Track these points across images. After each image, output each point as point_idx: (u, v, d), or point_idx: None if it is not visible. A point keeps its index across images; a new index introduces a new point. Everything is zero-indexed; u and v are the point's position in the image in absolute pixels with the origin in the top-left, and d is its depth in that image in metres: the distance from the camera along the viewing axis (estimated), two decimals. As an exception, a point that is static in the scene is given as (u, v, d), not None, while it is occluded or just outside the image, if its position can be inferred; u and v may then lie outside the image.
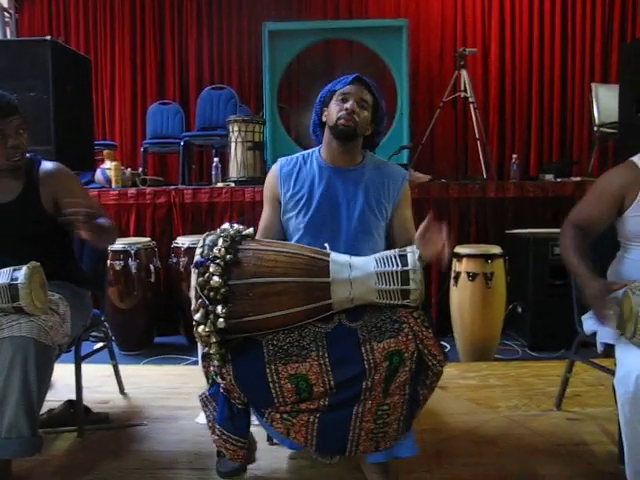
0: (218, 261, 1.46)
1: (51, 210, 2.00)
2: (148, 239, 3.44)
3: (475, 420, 2.23)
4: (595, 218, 1.82)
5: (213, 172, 4.03)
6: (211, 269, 1.46)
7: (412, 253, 1.52)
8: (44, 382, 1.76)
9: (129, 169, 4.19)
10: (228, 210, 3.56)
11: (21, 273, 1.69)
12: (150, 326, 3.45)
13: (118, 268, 3.19)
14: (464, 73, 4.58)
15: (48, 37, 3.54)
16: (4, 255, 1.86)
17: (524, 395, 2.47)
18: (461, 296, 3.09)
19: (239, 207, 3.55)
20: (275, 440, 1.98)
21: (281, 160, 1.94)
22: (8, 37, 5.52)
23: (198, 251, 1.52)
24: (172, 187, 3.75)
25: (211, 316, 1.45)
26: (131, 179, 4.04)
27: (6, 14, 5.60)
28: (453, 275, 3.13)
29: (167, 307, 3.56)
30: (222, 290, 1.45)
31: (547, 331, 3.21)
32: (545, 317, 3.21)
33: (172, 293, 3.46)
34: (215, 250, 1.48)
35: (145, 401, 2.48)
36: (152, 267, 3.31)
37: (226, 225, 1.58)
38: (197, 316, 1.46)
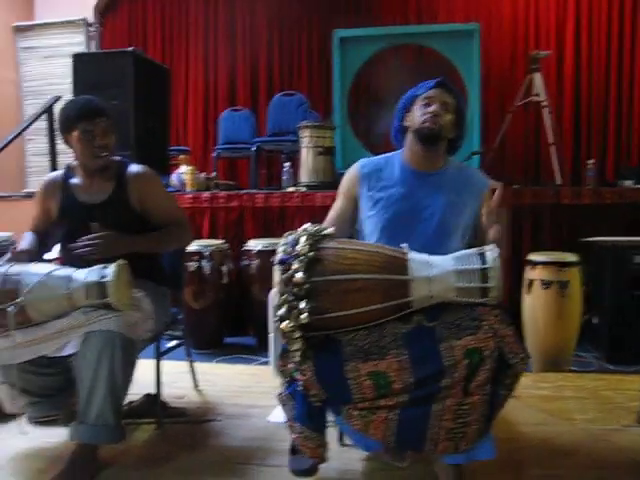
0: (301, 258, 1.50)
1: (138, 210, 2.11)
2: (221, 241, 3.55)
3: (550, 431, 2.18)
4: None
5: (284, 177, 4.11)
6: (294, 266, 1.50)
7: (491, 251, 1.53)
8: (128, 375, 1.85)
9: (203, 173, 4.33)
10: (299, 214, 3.62)
11: (110, 271, 1.79)
12: (221, 326, 3.56)
13: (192, 269, 3.31)
14: (537, 76, 4.48)
15: (130, 48, 3.73)
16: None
17: (601, 409, 2.39)
18: (534, 304, 3.02)
19: (310, 212, 3.60)
20: (346, 441, 2.01)
21: (362, 160, 1.97)
22: (93, 50, 5.83)
23: (281, 249, 1.57)
24: (244, 191, 3.86)
25: (294, 311, 1.49)
26: (205, 183, 4.17)
27: (91, 28, 5.91)
28: (526, 283, 3.06)
29: (238, 308, 3.66)
30: (305, 286, 1.48)
31: (626, 343, 3.08)
32: (624, 329, 3.08)
33: (243, 295, 3.55)
34: (298, 248, 1.53)
35: (219, 398, 2.56)
36: (225, 269, 3.41)
37: (307, 225, 1.62)
38: (281, 311, 1.50)
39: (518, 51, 5.32)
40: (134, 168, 2.15)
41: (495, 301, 1.54)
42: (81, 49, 5.70)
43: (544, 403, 2.46)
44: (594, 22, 5.16)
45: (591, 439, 2.11)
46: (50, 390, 1.99)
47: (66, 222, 2.12)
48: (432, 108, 1.82)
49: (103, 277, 1.78)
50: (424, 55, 5.29)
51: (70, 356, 1.89)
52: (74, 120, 2.01)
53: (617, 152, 5.17)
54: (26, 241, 2.10)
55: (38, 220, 2.20)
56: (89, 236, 1.92)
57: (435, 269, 1.54)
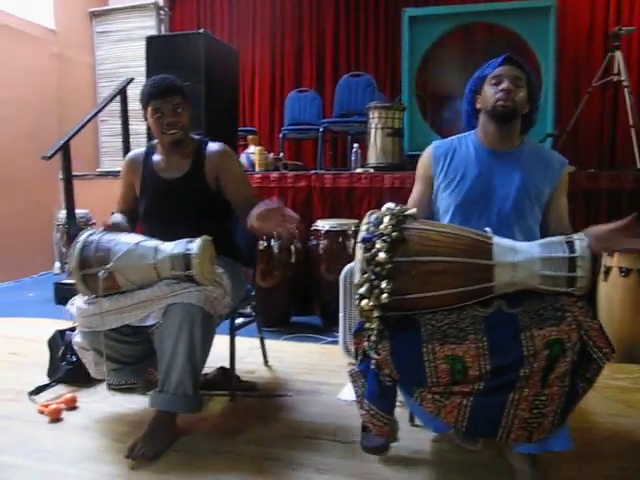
0: (384, 237, 1.50)
1: (214, 188, 2.16)
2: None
3: (628, 423, 2.11)
4: None
5: (352, 158, 4.10)
6: (377, 245, 1.49)
7: (580, 240, 1.48)
8: (206, 347, 1.92)
9: (271, 154, 4.38)
10: (367, 196, 3.61)
11: (195, 245, 1.85)
12: (288, 305, 3.61)
13: (261, 248, 3.36)
14: (618, 54, 4.25)
15: (201, 30, 3.80)
16: (175, 226, 2.04)
17: (683, 402, 2.29)
18: (611, 292, 2.90)
19: (377, 193, 3.57)
20: (417, 421, 2.01)
21: (435, 142, 1.94)
22: (163, 32, 5.97)
23: (364, 227, 1.56)
24: (312, 172, 3.88)
25: (375, 291, 1.49)
26: (273, 163, 4.22)
27: (161, 12, 6.05)
28: (603, 270, 2.94)
29: (305, 288, 3.70)
30: (387, 266, 1.48)
31: None
32: None
33: (310, 274, 3.58)
34: (381, 227, 1.52)
35: (288, 374, 2.61)
36: (293, 248, 3.45)
37: (390, 204, 1.61)
38: (362, 290, 1.50)
39: (596, 28, 5.08)
40: (212, 146, 2.20)
41: (581, 292, 1.49)
42: (152, 32, 5.85)
43: (622, 394, 2.37)
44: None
45: (672, 433, 2.03)
46: (132, 358, 2.08)
47: (147, 197, 2.19)
48: (504, 85, 1.76)
49: (188, 250, 1.84)
50: (495, 34, 5.12)
51: (151, 326, 1.98)
52: (146, 98, 2.09)
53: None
54: (115, 219, 2.19)
55: (124, 199, 2.29)
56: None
57: (520, 255, 1.50)
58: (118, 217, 2.20)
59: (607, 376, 2.54)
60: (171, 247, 1.87)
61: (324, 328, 3.44)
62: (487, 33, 5.24)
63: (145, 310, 1.87)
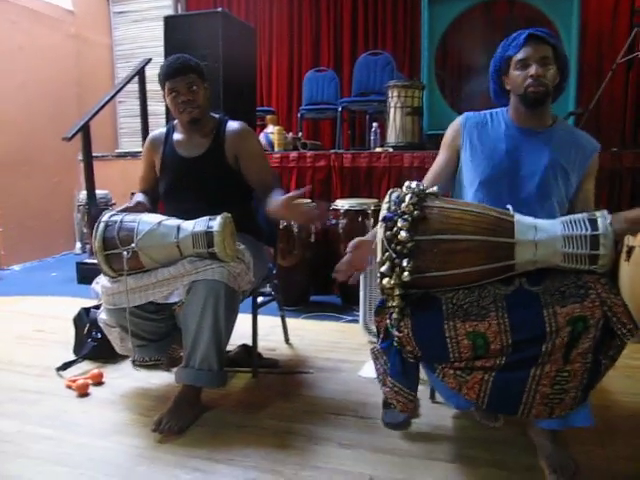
0: (406, 216, 1.50)
1: (234, 166, 2.18)
2: (309, 200, 3.59)
3: (649, 402, 2.11)
4: None
5: (372, 137, 4.08)
6: (399, 224, 1.49)
7: (603, 217, 1.46)
8: (231, 323, 1.95)
9: (290, 133, 4.37)
10: (386, 175, 3.60)
11: (216, 222, 1.87)
12: (307, 284, 3.63)
13: (281, 227, 3.37)
14: (644, 31, 4.16)
15: (219, 9, 3.77)
16: (195, 204, 2.07)
17: None
18: (634, 272, 2.88)
19: (397, 172, 3.56)
20: (438, 398, 2.03)
21: (467, 113, 1.92)
22: (179, 12, 5.95)
23: (385, 206, 1.56)
24: (332, 151, 3.87)
25: (397, 269, 1.49)
26: (292, 143, 4.22)
27: (179, -10, 6.02)
28: (625, 249, 2.92)
29: (324, 267, 3.70)
30: (409, 244, 1.48)
31: None
32: None
33: (329, 254, 3.59)
34: (403, 206, 1.52)
35: (309, 352, 2.65)
36: (312, 228, 3.47)
37: (411, 183, 1.61)
38: (383, 268, 1.51)
39: (622, 3, 4.95)
40: (232, 125, 2.21)
41: (604, 269, 1.48)
42: (169, 12, 5.83)
43: (642, 373, 2.37)
44: None
45: (694, 412, 2.03)
46: (156, 335, 2.12)
47: (167, 175, 2.22)
48: (532, 71, 1.72)
49: (210, 228, 1.86)
50: (516, 10, 5.02)
51: (175, 304, 2.01)
52: (163, 78, 2.11)
53: None
54: (138, 198, 2.22)
55: (146, 179, 2.32)
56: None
57: (541, 233, 1.49)
58: (140, 197, 2.24)
59: (627, 356, 2.50)
60: (192, 225, 1.90)
61: (343, 307, 3.47)
62: (508, 10, 5.14)
63: (169, 287, 1.90)
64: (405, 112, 3.77)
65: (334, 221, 3.45)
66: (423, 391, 2.02)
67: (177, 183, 2.19)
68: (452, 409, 1.97)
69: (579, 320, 1.45)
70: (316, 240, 3.51)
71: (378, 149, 3.83)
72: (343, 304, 3.53)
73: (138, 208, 2.07)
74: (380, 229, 1.53)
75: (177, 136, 2.23)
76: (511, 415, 1.63)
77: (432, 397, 2.07)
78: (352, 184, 3.73)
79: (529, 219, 1.54)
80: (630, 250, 2.88)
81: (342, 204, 3.45)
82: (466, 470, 1.68)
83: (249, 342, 2.37)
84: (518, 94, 1.78)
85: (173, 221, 1.94)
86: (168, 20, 3.81)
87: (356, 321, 2.92)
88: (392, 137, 3.84)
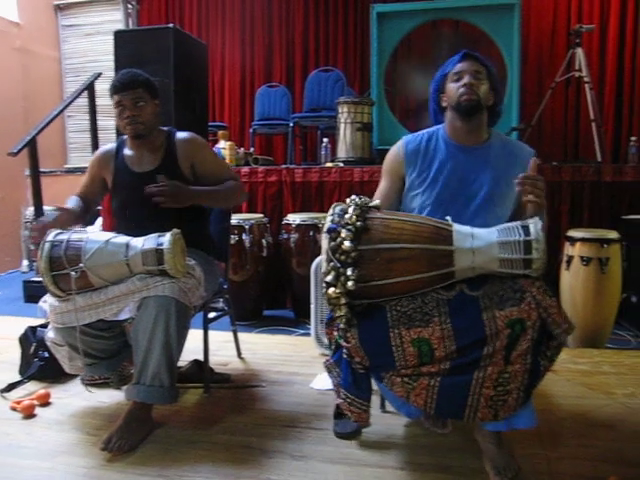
0: (349, 227, 1.55)
1: (189, 176, 2.18)
2: (261, 215, 3.62)
3: (589, 404, 2.20)
4: None
5: (322, 152, 4.14)
6: (343, 234, 1.54)
7: (534, 224, 1.55)
8: (182, 338, 1.94)
9: (242, 149, 4.39)
10: (337, 189, 3.66)
11: (166, 239, 1.87)
12: (260, 299, 3.64)
13: (233, 242, 3.37)
14: (579, 51, 4.38)
15: (170, 25, 3.78)
16: (149, 220, 2.05)
17: (641, 384, 2.40)
18: (573, 280, 3.01)
19: (348, 187, 3.62)
20: (388, 407, 2.07)
21: (406, 137, 1.97)
22: (130, 27, 5.91)
23: (329, 218, 1.61)
24: (283, 166, 3.91)
25: (342, 278, 1.53)
26: (244, 158, 4.23)
27: (129, 6, 5.98)
28: (565, 259, 3.05)
29: (277, 281, 3.73)
30: (353, 254, 1.53)
31: (665, 322, 3.07)
32: (663, 307, 3.07)
33: (282, 268, 3.62)
34: (346, 217, 1.57)
35: (261, 366, 2.65)
36: (264, 242, 3.48)
37: (354, 196, 1.66)
38: (328, 278, 1.55)
39: (559, 25, 5.19)
40: (181, 135, 2.23)
41: (538, 273, 1.55)
42: (120, 26, 5.79)
43: (583, 377, 2.48)
44: (640, -5, 5.01)
45: (630, 413, 2.13)
46: (107, 353, 2.10)
47: (120, 192, 2.20)
48: (465, 80, 1.81)
49: (159, 245, 1.86)
50: (462, 30, 5.21)
51: (125, 320, 1.99)
52: (111, 91, 2.11)
53: (660, 130, 5.04)
54: (71, 202, 2.20)
55: (86, 187, 2.30)
56: (159, 183, 1.98)
57: (478, 240, 1.57)
58: (73, 201, 2.21)
59: (569, 360, 2.66)
60: (142, 242, 1.89)
61: (296, 321, 3.49)
62: (454, 29, 5.32)
63: (119, 305, 1.89)
64: (355, 128, 3.85)
65: (286, 235, 3.48)
66: (374, 401, 2.04)
67: (130, 199, 2.17)
68: (402, 418, 2.00)
69: (517, 322, 1.52)
70: (268, 255, 3.53)
71: (329, 164, 3.89)
72: (296, 318, 3.55)
73: (65, 215, 2.06)
74: (324, 240, 1.58)
75: (127, 151, 2.22)
76: (457, 419, 1.69)
77: (383, 406, 2.11)
78: (303, 199, 3.77)
79: (467, 228, 1.61)
80: (569, 259, 3.01)
81: (294, 219, 3.48)
82: (415, 476, 1.72)
83: (201, 357, 2.36)
84: (452, 105, 1.85)
85: (121, 239, 1.92)
86: (118, 35, 3.77)
87: (309, 334, 2.94)
88: (342, 152, 3.91)
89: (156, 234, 1.90)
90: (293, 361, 2.72)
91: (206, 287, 2.09)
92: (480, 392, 1.56)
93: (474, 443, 1.79)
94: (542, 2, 5.20)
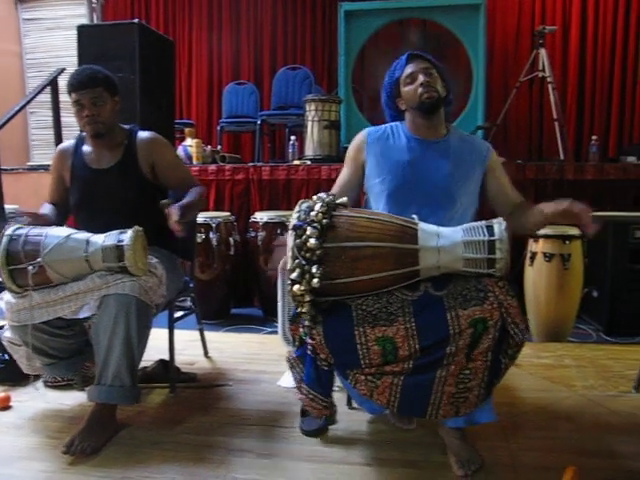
0: (315, 224, 1.54)
1: (149, 176, 2.15)
2: (228, 213, 3.60)
3: (551, 397, 2.25)
4: None
5: (290, 150, 4.13)
6: (308, 232, 1.54)
7: (499, 224, 1.57)
8: (144, 338, 1.91)
9: (209, 146, 4.36)
10: (304, 187, 3.66)
11: (127, 236, 1.84)
12: (228, 297, 3.62)
13: (200, 240, 3.35)
14: (543, 52, 4.47)
15: (136, 20, 3.72)
16: (107, 217, 2.03)
17: (600, 376, 2.46)
18: (537, 276, 3.07)
19: (315, 184, 3.63)
20: (355, 404, 2.08)
21: (369, 128, 2.00)
22: (95, 22, 5.80)
23: (295, 215, 1.60)
24: (251, 164, 3.89)
25: (307, 275, 1.53)
26: (211, 156, 4.20)
27: (94, 0, 5.87)
28: (529, 255, 3.11)
29: (244, 279, 3.71)
30: (318, 251, 1.53)
31: (624, 316, 3.14)
32: (623, 302, 3.14)
33: (249, 266, 3.60)
34: (312, 214, 1.56)
35: (228, 364, 2.64)
36: (232, 240, 3.46)
37: (321, 194, 1.66)
38: (293, 275, 1.54)
39: (523, 26, 5.29)
40: (143, 134, 2.19)
41: (501, 272, 1.57)
42: (84, 21, 5.67)
43: (545, 371, 2.53)
44: (600, -2, 5.13)
45: (590, 405, 2.18)
46: (66, 352, 2.05)
47: (77, 188, 2.16)
48: (421, 79, 1.84)
49: (120, 241, 1.83)
50: (429, 29, 5.26)
51: (86, 319, 1.95)
52: (68, 90, 2.05)
53: (620, 129, 5.18)
54: (44, 209, 2.15)
55: (54, 191, 2.25)
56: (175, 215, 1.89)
57: (443, 240, 1.58)
58: (47, 208, 2.17)
59: (532, 355, 2.72)
60: (102, 239, 1.85)
61: (264, 319, 3.48)
62: (421, 28, 5.37)
63: (78, 302, 1.85)
64: (322, 125, 3.86)
65: (253, 234, 3.46)
66: (340, 398, 2.07)
67: (88, 195, 2.14)
68: (368, 414, 2.02)
69: (480, 322, 1.54)
70: (235, 253, 3.51)
71: (296, 162, 3.89)
72: (264, 316, 3.54)
73: (39, 221, 2.01)
74: (290, 237, 1.57)
75: (87, 148, 2.18)
76: (420, 417, 1.70)
77: (349, 403, 2.12)
78: (271, 197, 3.77)
79: (433, 227, 1.62)
80: (533, 256, 3.07)
81: (261, 217, 3.47)
82: (381, 472, 1.73)
83: (167, 357, 2.33)
84: (414, 106, 1.88)
85: (82, 235, 1.89)
86: (81, 30, 3.69)
87: (276, 332, 2.92)
88: (310, 150, 3.92)
89: (118, 231, 1.87)
90: (261, 359, 2.71)
91: (168, 286, 2.06)
92: (442, 390, 1.58)
93: (439, 438, 1.82)
94: (507, 3, 5.30)
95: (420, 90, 1.84)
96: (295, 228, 1.57)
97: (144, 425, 2.03)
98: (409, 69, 1.88)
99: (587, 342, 3.08)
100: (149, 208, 2.15)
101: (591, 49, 5.18)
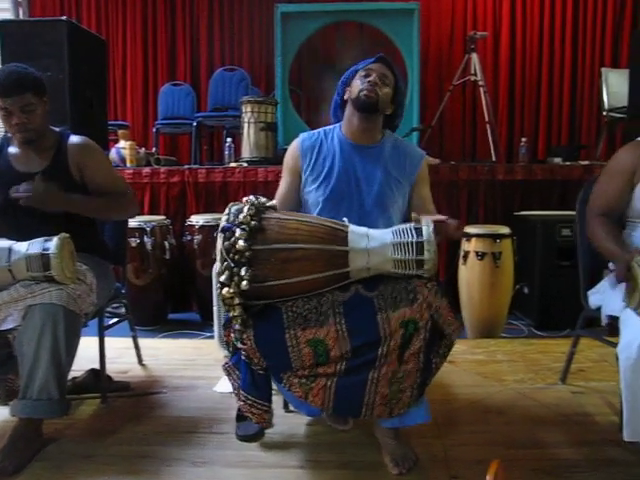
0: (244, 226, 1.53)
1: (79, 181, 2.08)
2: (163, 217, 3.53)
3: (483, 392, 2.31)
4: (613, 198, 1.87)
5: (226, 152, 4.09)
6: (237, 234, 1.52)
7: (427, 226, 1.59)
8: (72, 348, 1.84)
9: (143, 149, 4.25)
10: (241, 189, 3.63)
11: (52, 244, 1.77)
12: (164, 302, 3.54)
13: (134, 245, 3.27)
14: (474, 57, 4.60)
15: (64, 17, 3.59)
16: (33, 224, 1.94)
17: (530, 370, 2.55)
18: (470, 275, 3.16)
19: (252, 187, 3.61)
20: (291, 407, 2.07)
21: (303, 134, 2.00)
22: (21, 17, 5.55)
23: (224, 218, 1.59)
24: (186, 167, 3.83)
25: (235, 278, 1.51)
26: (145, 159, 4.10)
27: (19, -5, 5.62)
28: (462, 254, 3.19)
29: (181, 284, 3.64)
30: (247, 254, 1.52)
31: (553, 311, 3.28)
32: (551, 297, 3.27)
33: (186, 270, 3.54)
34: (241, 216, 1.55)
35: (163, 371, 2.58)
36: (167, 244, 3.39)
37: (250, 196, 1.65)
38: (222, 278, 1.52)
39: (456, 31, 5.43)
40: (74, 139, 2.11)
41: (430, 273, 1.60)
42: (8, 16, 5.42)
43: (478, 367, 2.60)
44: (527, 5, 5.33)
45: (520, 398, 2.26)
46: (-13, 366, 1.95)
47: (2, 192, 2.06)
48: (370, 78, 1.87)
49: (45, 249, 1.75)
50: (365, 33, 5.33)
51: (9, 330, 1.86)
52: None
53: (548, 131, 5.40)
54: None
55: None
56: (29, 182, 1.86)
57: (373, 241, 1.59)
58: None
59: (465, 351, 2.79)
60: (26, 247, 1.77)
61: (202, 323, 3.43)
62: (358, 31, 5.43)
63: (1, 313, 1.76)
64: (259, 127, 3.84)
65: (189, 237, 3.41)
66: (277, 401, 2.04)
67: (13, 200, 2.04)
68: (305, 417, 2.01)
69: (410, 322, 1.56)
70: (171, 257, 3.44)
71: (233, 164, 3.85)
72: (202, 320, 3.49)
73: None
74: (219, 240, 1.56)
75: (13, 150, 2.08)
76: (355, 417, 1.72)
77: (286, 407, 2.11)
78: (207, 200, 3.71)
79: (363, 229, 1.64)
80: (466, 255, 3.16)
81: (197, 220, 3.42)
82: (315, 473, 1.73)
83: (98, 366, 2.26)
84: (352, 98, 1.89)
85: (4, 243, 1.80)
86: (4, 25, 3.53)
87: (213, 337, 2.89)
88: (247, 152, 3.89)
89: (42, 238, 1.80)
90: (196, 365, 2.67)
91: (99, 293, 1.99)
92: (376, 391, 1.59)
93: (374, 438, 1.83)
94: (440, 8, 5.42)
95: (364, 85, 1.85)
96: (224, 230, 1.55)
97: (74, 438, 1.96)
98: (370, 66, 1.90)
99: (519, 337, 3.19)
100: (78, 214, 2.08)
101: (520, 54, 5.38)
